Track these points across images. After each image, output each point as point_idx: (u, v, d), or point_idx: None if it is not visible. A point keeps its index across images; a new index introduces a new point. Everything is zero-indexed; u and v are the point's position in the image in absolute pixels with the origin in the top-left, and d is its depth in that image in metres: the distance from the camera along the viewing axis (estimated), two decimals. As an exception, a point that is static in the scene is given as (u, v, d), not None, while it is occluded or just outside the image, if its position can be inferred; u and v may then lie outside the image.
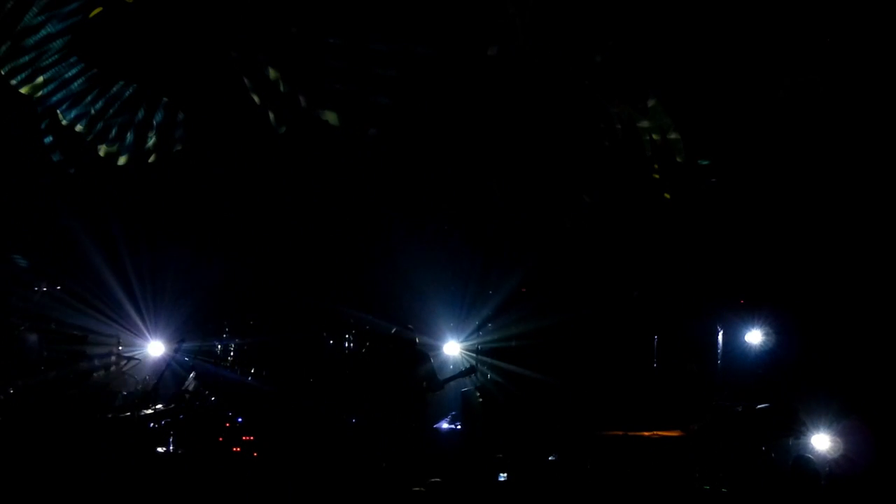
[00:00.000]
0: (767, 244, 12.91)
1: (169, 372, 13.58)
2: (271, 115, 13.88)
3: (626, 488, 10.80)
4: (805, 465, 9.48)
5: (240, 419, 13.02)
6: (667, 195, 13.15)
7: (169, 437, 12.50)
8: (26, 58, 13.62)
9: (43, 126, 13.89)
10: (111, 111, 14.05)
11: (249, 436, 12.68)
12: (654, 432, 11.83)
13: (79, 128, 14.01)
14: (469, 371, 13.34)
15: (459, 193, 14.08)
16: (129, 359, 14.19)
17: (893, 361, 11.86)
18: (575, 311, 14.22)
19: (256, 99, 13.71)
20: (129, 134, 14.10)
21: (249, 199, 14.47)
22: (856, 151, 12.19)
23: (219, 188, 14.39)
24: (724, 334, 13.51)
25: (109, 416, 12.39)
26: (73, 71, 13.85)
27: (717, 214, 13.04)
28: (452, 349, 15.39)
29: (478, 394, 13.19)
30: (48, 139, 13.94)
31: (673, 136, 12.89)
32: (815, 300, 12.57)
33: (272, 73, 13.57)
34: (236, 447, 12.64)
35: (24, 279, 14.54)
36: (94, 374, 13.96)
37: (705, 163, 12.81)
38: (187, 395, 13.10)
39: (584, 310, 14.22)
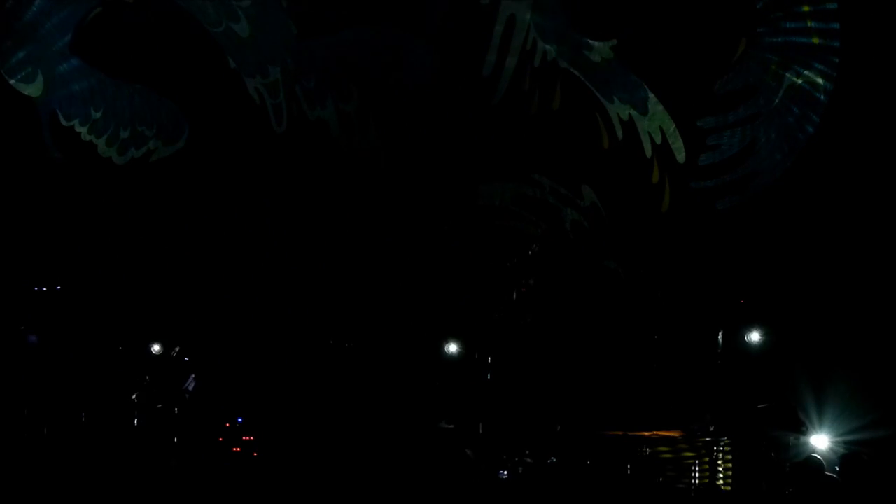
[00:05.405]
0: (767, 244, 12.93)
1: (168, 371, 13.56)
2: (271, 115, 13.92)
3: (625, 488, 10.80)
4: (813, 464, 9.34)
5: (240, 419, 13.00)
6: (666, 196, 13.19)
7: (169, 437, 12.50)
8: (26, 57, 13.65)
9: (43, 126, 13.90)
10: (111, 111, 14.06)
11: (249, 436, 12.66)
12: (654, 432, 11.82)
13: (79, 128, 14.02)
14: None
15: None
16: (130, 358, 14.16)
17: (893, 359, 11.88)
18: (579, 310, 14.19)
19: (256, 99, 13.78)
20: (128, 134, 14.11)
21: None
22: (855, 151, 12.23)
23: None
24: (723, 334, 13.49)
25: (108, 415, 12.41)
26: (73, 71, 13.87)
27: (717, 214, 13.08)
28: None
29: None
30: (48, 139, 13.95)
31: (673, 136, 12.93)
32: (814, 300, 12.57)
33: (272, 73, 13.64)
34: (236, 447, 12.62)
35: (23, 280, 14.50)
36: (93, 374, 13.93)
37: (705, 162, 12.87)
38: (187, 395, 13.10)
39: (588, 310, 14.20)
